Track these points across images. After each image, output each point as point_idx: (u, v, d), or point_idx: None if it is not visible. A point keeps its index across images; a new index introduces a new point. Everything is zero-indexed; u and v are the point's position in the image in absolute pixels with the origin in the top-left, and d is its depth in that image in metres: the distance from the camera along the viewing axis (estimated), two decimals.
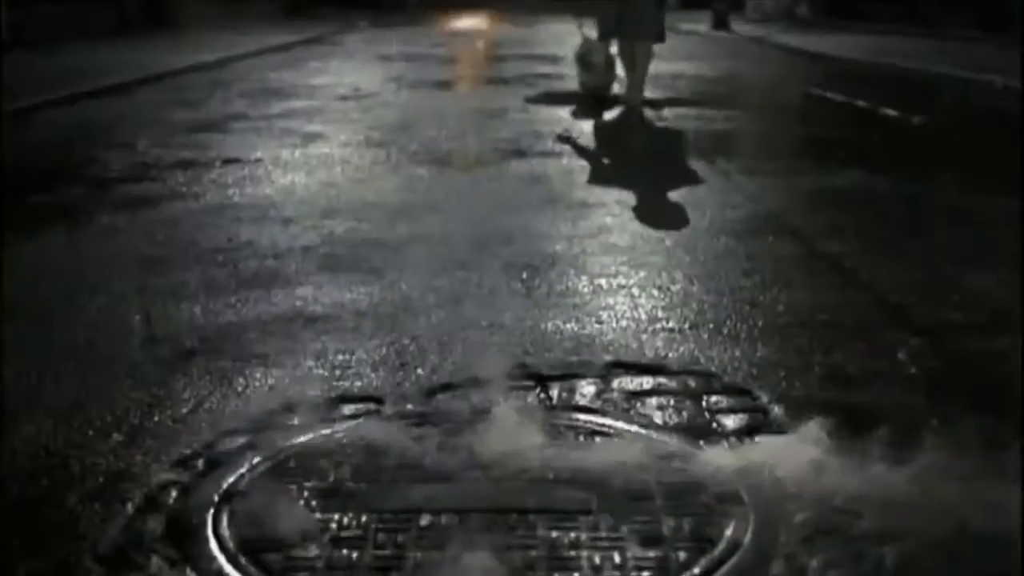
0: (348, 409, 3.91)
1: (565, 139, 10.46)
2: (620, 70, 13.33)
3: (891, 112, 12.63)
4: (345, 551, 2.94)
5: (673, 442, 3.62)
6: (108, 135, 10.93)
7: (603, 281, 5.54)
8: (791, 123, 12.54)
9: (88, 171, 8.88)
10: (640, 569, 2.87)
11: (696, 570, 2.86)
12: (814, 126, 11.91)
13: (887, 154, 9.90)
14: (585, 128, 11.42)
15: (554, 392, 4.07)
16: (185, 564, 2.91)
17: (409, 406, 3.93)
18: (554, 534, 3.02)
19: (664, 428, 3.75)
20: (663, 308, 5.10)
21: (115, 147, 10.13)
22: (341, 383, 4.16)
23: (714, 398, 4.04)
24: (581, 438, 3.64)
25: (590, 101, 13.38)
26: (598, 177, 8.50)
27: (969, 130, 11.78)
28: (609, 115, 12.52)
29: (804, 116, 13.06)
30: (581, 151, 9.51)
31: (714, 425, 3.79)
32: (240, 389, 4.11)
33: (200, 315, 4.99)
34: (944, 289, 5.36)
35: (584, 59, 13.95)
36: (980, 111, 13.38)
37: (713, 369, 4.32)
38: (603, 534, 3.03)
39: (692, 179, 8.50)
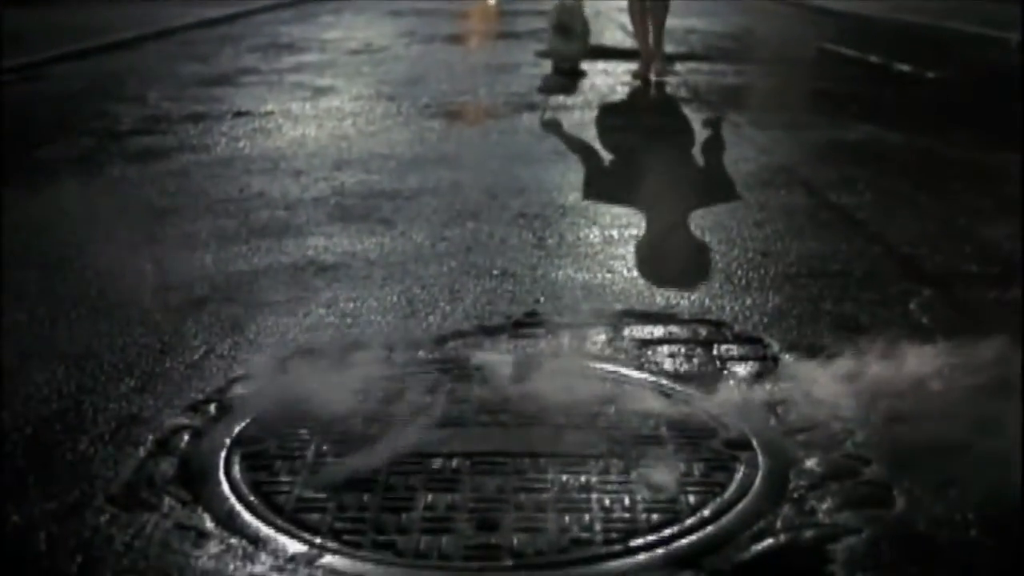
0: (359, 356, 3.91)
1: (550, 124, 8.83)
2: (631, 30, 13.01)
3: (904, 68, 12.56)
4: (356, 493, 2.96)
5: (683, 389, 3.63)
6: (119, 89, 10.90)
7: (614, 231, 5.52)
8: (803, 78, 12.45)
9: (99, 124, 8.87)
10: (650, 512, 2.87)
11: (705, 513, 2.87)
12: (826, 81, 11.84)
13: (900, 109, 9.85)
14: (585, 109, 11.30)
15: (565, 340, 4.07)
16: (197, 505, 2.92)
17: (420, 353, 3.93)
18: (564, 477, 3.03)
19: (675, 375, 3.76)
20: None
21: (126, 101, 10.11)
22: (352, 330, 4.17)
23: (724, 346, 4.04)
24: (592, 384, 3.64)
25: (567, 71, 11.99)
26: (598, 182, 8.39)
27: (982, 86, 11.70)
28: (612, 86, 12.31)
29: (816, 71, 12.97)
30: (577, 144, 8.86)
31: (724, 373, 3.80)
32: (251, 336, 4.12)
33: (211, 264, 5.00)
34: (956, 240, 5.35)
35: (563, 25, 11.94)
36: (993, 67, 13.29)
37: (724, 318, 4.32)
38: (613, 478, 3.04)
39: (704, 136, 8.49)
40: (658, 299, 4.52)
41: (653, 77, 11.43)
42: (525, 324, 4.20)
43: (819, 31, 17.32)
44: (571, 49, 12.13)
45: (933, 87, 11.54)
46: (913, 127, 8.68)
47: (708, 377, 3.74)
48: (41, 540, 2.75)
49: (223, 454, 3.19)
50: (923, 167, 7.24)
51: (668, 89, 11.09)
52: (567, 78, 11.63)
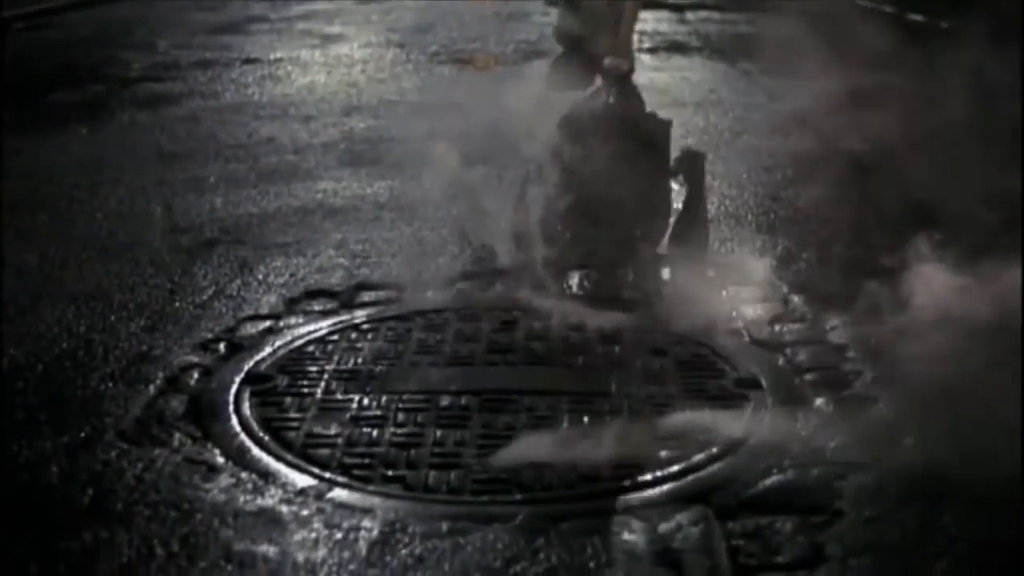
0: (368, 296, 3.92)
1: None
2: None
3: (917, 17, 12.45)
4: (365, 429, 2.97)
5: (693, 329, 3.62)
6: (127, 37, 10.86)
7: None
8: (815, 27, 12.34)
9: (109, 70, 8.85)
10: (659, 448, 2.88)
11: (714, 449, 2.87)
12: (839, 30, 11.73)
13: (913, 58, 9.74)
14: None
15: (574, 281, 4.07)
16: (207, 440, 2.94)
17: (429, 293, 3.93)
18: (574, 414, 3.04)
19: (684, 316, 3.74)
20: None
21: (135, 48, 10.07)
22: (361, 271, 4.17)
23: (734, 288, 4.02)
24: (602, 325, 3.63)
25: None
26: None
27: (997, 36, 11.59)
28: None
29: (829, 21, 12.85)
30: None
31: (734, 313, 3.79)
32: (261, 277, 4.12)
33: (221, 207, 5.00)
34: (968, 187, 5.30)
35: None
36: (1008, 18, 13.15)
37: (734, 260, 4.30)
38: (623, 415, 3.05)
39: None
40: (668, 242, 4.50)
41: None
42: (534, 266, 4.19)
43: None
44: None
45: (947, 37, 11.44)
46: (926, 76, 8.60)
47: (717, 317, 3.73)
48: (53, 473, 2.77)
49: (233, 391, 3.20)
50: (936, 115, 7.17)
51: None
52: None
